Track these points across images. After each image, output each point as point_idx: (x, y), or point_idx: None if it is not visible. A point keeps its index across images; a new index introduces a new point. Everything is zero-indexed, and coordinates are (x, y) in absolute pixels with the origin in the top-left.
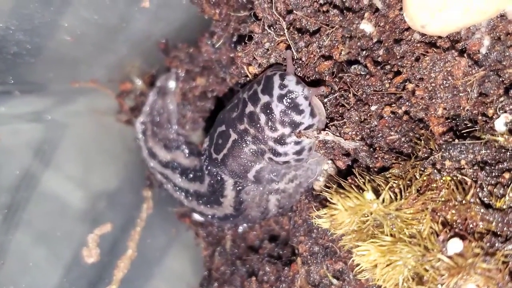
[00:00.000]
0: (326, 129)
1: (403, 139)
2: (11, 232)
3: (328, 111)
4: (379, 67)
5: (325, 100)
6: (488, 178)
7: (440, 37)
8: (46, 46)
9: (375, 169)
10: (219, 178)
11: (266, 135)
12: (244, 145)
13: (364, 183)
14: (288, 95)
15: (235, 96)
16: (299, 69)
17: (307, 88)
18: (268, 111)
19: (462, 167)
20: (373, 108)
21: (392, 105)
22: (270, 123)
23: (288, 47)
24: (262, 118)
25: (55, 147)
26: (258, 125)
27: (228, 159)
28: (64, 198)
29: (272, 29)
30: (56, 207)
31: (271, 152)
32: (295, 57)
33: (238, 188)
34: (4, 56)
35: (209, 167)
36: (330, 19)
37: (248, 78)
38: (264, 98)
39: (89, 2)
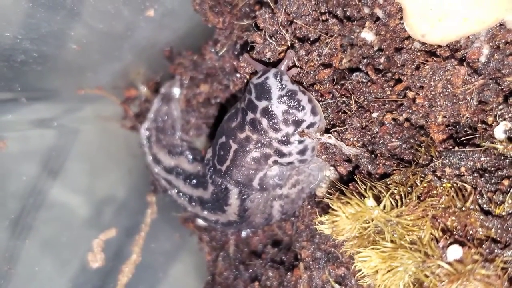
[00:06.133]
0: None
1: (404, 145)
2: (18, 238)
3: (330, 117)
4: (380, 75)
5: (325, 103)
6: (488, 185)
7: (440, 46)
8: (53, 54)
9: (377, 176)
10: (223, 188)
11: (270, 137)
12: (245, 154)
13: (365, 190)
14: (288, 94)
15: (233, 106)
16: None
17: (281, 69)
18: (269, 114)
19: (462, 174)
20: (374, 115)
21: (393, 112)
22: (273, 124)
23: (244, 46)
24: (264, 122)
25: (62, 154)
26: (261, 130)
27: (232, 169)
28: (70, 203)
29: (274, 39)
30: (62, 212)
31: (276, 154)
32: (296, 64)
33: (243, 197)
34: (12, 64)
35: (213, 176)
36: (329, 28)
37: None
38: (262, 104)
39: (94, 12)
